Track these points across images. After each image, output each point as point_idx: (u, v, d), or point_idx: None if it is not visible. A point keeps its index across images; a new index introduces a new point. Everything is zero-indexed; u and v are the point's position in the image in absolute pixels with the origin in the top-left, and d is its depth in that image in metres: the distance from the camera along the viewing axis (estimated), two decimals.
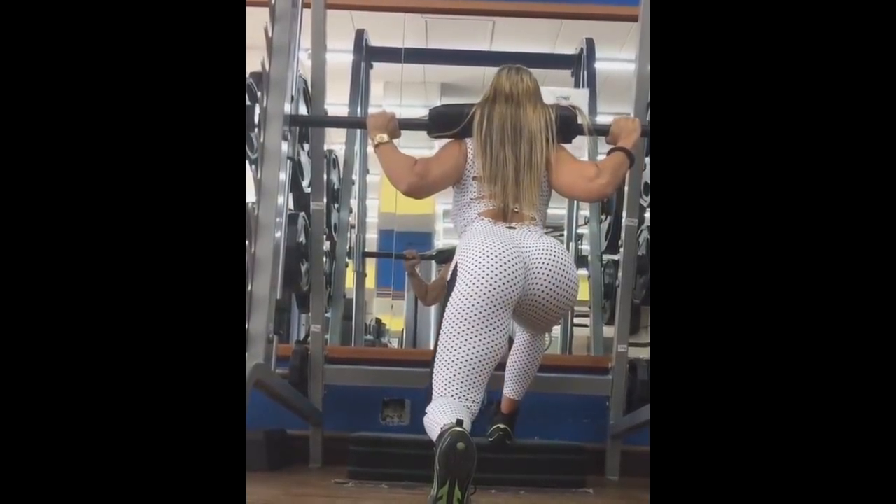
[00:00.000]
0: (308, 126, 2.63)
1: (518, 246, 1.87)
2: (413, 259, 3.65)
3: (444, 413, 1.71)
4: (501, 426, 2.26)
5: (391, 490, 2.09)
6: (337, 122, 2.65)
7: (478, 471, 2.19)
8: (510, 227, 1.96)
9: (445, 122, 2.12)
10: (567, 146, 2.14)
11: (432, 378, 1.84)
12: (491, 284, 1.79)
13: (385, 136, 2.12)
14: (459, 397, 1.78)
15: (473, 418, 1.80)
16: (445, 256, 3.55)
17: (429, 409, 1.79)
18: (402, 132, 2.19)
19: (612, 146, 2.10)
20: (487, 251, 1.82)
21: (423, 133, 2.20)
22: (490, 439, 2.24)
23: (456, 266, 1.88)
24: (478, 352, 1.79)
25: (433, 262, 4.03)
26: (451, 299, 1.84)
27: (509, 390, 2.28)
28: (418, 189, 2.06)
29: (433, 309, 4.11)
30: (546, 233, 2.04)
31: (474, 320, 1.79)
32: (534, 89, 2.08)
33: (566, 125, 2.11)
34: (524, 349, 2.23)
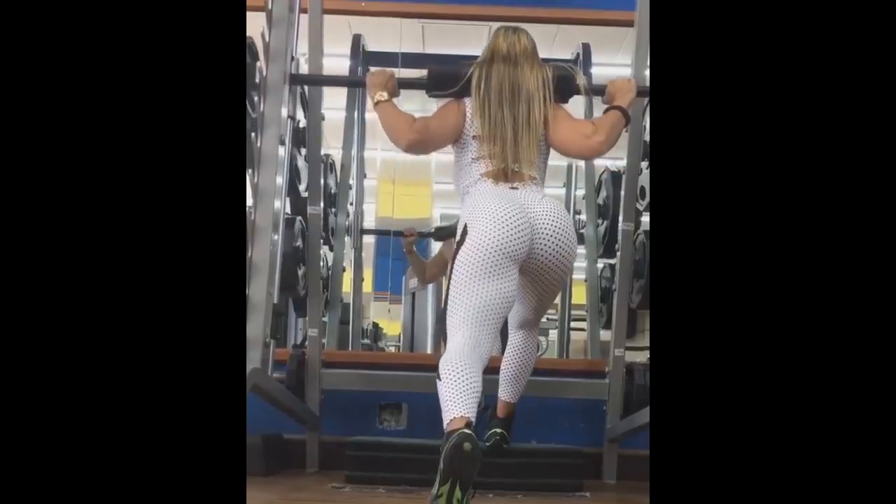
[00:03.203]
0: (308, 85, 2.62)
1: (524, 207, 1.91)
2: (412, 237, 3.66)
3: (456, 399, 1.71)
4: (498, 431, 2.26)
5: (388, 494, 2.09)
6: (337, 81, 2.70)
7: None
8: (513, 188, 1.99)
9: (444, 82, 2.14)
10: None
11: (445, 326, 1.89)
12: (501, 236, 1.84)
13: (385, 95, 2.13)
14: (473, 346, 1.81)
15: (485, 366, 1.84)
16: (444, 233, 3.55)
17: (442, 369, 1.77)
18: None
19: (608, 106, 2.12)
20: (497, 211, 1.87)
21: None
22: (487, 444, 2.24)
23: (465, 228, 1.90)
24: (488, 298, 1.84)
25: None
26: (461, 250, 1.87)
27: (504, 393, 2.28)
28: (418, 145, 2.09)
29: (430, 313, 4.11)
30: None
31: (485, 267, 1.84)
32: (531, 49, 2.10)
33: (563, 84, 2.12)
34: (517, 350, 2.24)
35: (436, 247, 4.07)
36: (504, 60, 2.06)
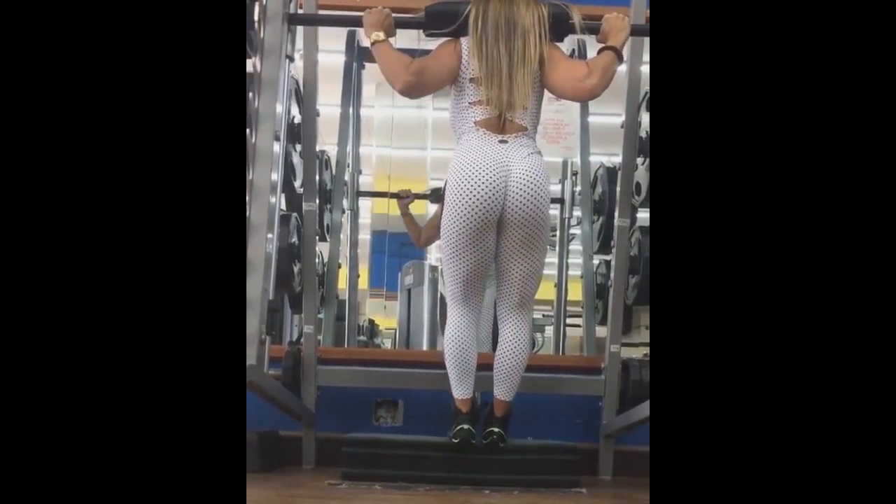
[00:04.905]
0: (305, 25, 2.54)
1: (503, 166, 2.03)
2: (407, 198, 3.65)
3: (457, 381, 2.20)
4: (495, 430, 2.24)
5: (384, 491, 2.08)
6: (334, 21, 2.67)
7: (471, 471, 2.21)
8: (502, 142, 2.07)
9: (441, 20, 2.14)
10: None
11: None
12: (472, 211, 2.03)
13: (381, 35, 2.14)
14: (465, 306, 2.21)
15: (479, 314, 2.26)
16: (440, 195, 3.54)
17: (445, 346, 2.23)
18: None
19: (601, 45, 2.12)
20: (472, 177, 2.02)
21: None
22: (484, 441, 2.24)
23: (446, 188, 2.08)
24: (469, 267, 2.14)
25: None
26: (442, 222, 2.13)
27: (499, 391, 2.27)
28: (414, 87, 2.11)
29: (426, 310, 4.10)
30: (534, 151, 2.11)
31: (462, 242, 2.09)
32: None
33: (559, 23, 2.14)
34: (508, 346, 2.23)
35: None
36: None
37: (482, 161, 2.02)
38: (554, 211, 3.90)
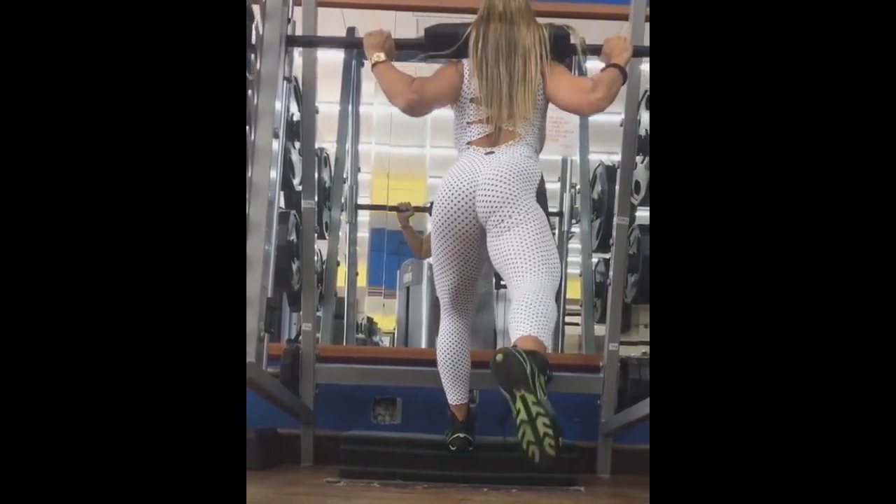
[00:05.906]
0: (304, 47, 2.53)
1: (474, 175, 1.99)
2: (407, 211, 3.65)
3: (450, 388, 2.25)
4: (521, 353, 1.72)
5: (383, 489, 2.08)
6: (333, 42, 2.63)
7: (469, 469, 2.22)
8: (489, 154, 2.04)
9: (441, 42, 2.15)
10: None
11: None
12: (448, 224, 2.03)
13: (382, 56, 2.15)
14: (456, 313, 2.24)
15: (470, 320, 2.28)
16: None
17: (437, 354, 2.26)
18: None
19: (605, 64, 2.12)
20: (445, 191, 2.01)
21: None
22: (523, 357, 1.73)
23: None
24: (455, 281, 2.15)
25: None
26: (431, 240, 2.16)
27: (514, 327, 1.81)
28: (416, 106, 2.11)
29: (425, 308, 4.10)
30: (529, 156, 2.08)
31: (446, 257, 2.11)
32: (525, 7, 2.12)
33: (560, 43, 2.14)
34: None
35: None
36: (500, 19, 2.09)
37: (458, 176, 2.01)
38: (553, 208, 3.90)
